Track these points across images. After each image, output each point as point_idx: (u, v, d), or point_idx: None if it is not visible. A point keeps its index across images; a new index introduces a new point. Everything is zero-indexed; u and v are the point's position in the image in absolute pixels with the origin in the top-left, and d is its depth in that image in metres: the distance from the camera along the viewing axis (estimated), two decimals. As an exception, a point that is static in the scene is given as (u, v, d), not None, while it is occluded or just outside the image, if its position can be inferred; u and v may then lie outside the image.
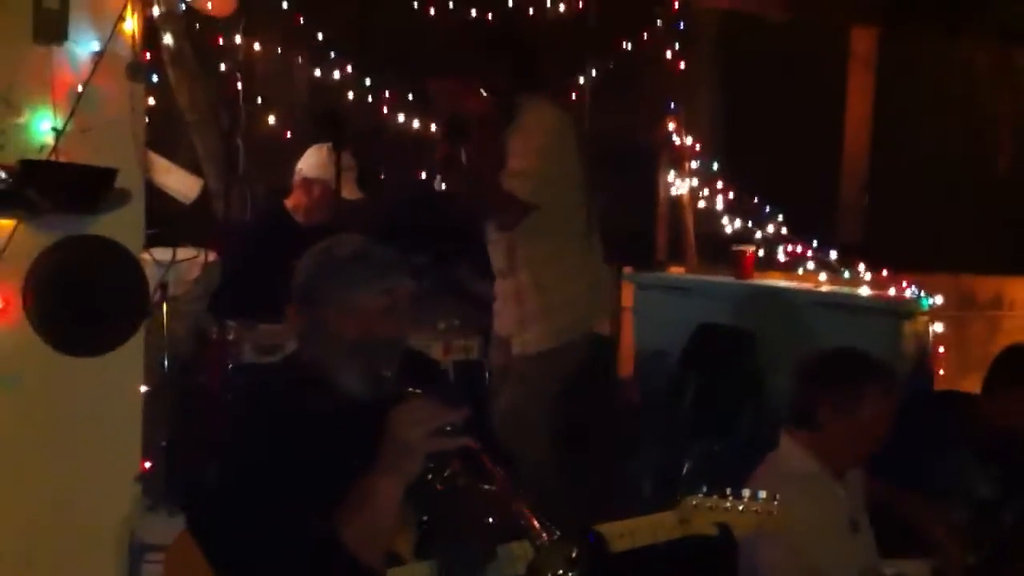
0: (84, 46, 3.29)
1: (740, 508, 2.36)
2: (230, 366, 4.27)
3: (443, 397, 2.09)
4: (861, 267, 5.76)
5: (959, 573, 3.20)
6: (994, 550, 3.27)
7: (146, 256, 4.78)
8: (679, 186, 6.53)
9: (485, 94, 3.98)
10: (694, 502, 2.34)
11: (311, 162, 4.79)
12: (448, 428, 2.02)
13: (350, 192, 4.79)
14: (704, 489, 2.38)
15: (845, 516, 2.97)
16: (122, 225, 3.34)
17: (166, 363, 4.40)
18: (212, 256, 5.04)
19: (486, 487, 2.11)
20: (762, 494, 2.38)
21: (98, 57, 3.30)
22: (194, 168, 5.54)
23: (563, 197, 3.97)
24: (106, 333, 3.30)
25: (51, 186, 3.05)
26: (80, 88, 3.26)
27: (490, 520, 2.12)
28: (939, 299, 5.22)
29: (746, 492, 2.37)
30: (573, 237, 4.09)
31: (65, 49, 3.25)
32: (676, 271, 6.51)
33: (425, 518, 2.19)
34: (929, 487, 3.46)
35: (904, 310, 5.09)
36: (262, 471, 2.10)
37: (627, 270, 6.52)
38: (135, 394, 3.40)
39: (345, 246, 2.32)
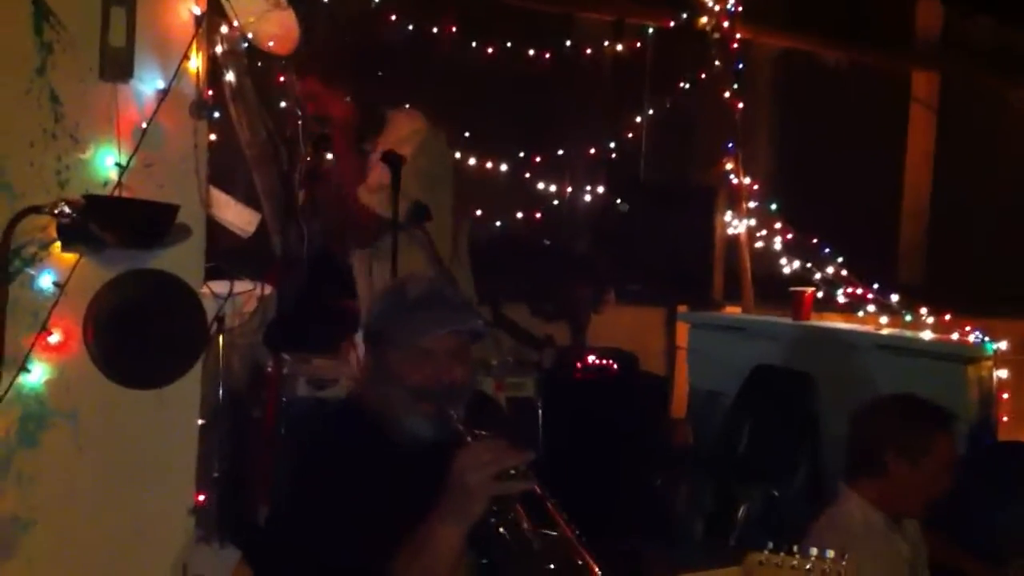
0: (149, 84, 3.34)
1: (808, 567, 2.30)
2: (284, 399, 4.31)
3: (507, 439, 2.07)
4: (923, 310, 5.66)
5: None
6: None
7: (204, 289, 4.87)
8: (736, 226, 6.49)
9: (350, 101, 3.76)
10: (760, 559, 2.27)
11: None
12: (512, 472, 1.99)
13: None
14: (770, 545, 2.33)
15: (906, 567, 2.92)
16: (182, 260, 3.37)
17: (221, 395, 4.46)
18: (268, 289, 5.11)
19: (549, 532, 2.08)
20: (830, 553, 2.32)
21: (163, 95, 3.35)
22: (252, 203, 5.60)
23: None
24: (165, 366, 3.32)
25: (114, 221, 3.09)
26: (144, 125, 3.30)
27: (552, 566, 2.09)
28: (1004, 344, 5.11)
29: (814, 550, 2.31)
30: (431, 261, 3.88)
31: (130, 86, 3.31)
32: (732, 311, 6.45)
33: (486, 561, 2.17)
34: (991, 539, 3.39)
35: (968, 355, 4.98)
36: (322, 510, 2.10)
37: (682, 309, 6.48)
38: (192, 427, 3.42)
39: (417, 286, 2.33)
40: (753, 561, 2.28)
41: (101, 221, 3.05)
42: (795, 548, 2.30)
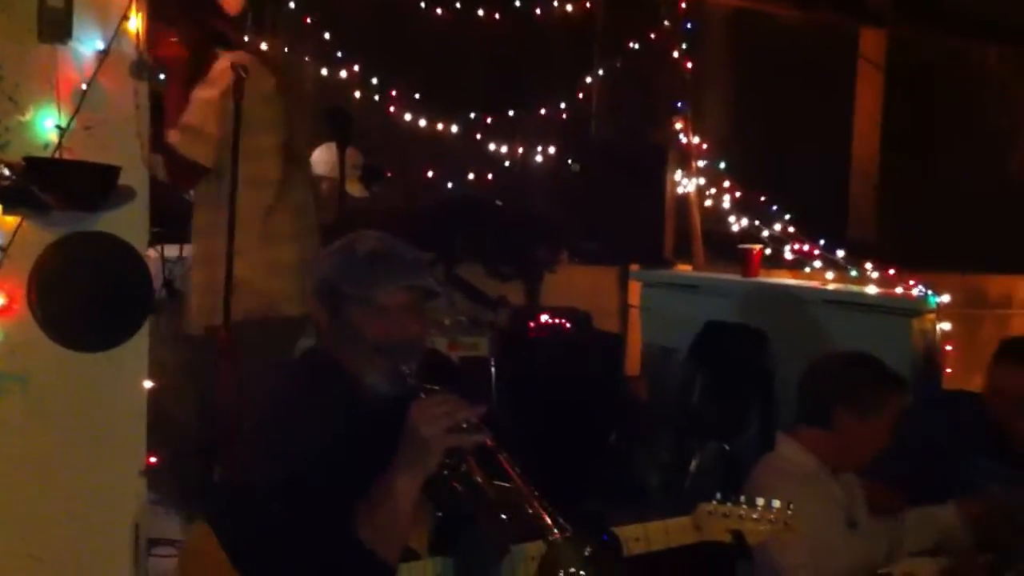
0: (88, 45, 3.30)
1: (755, 516, 2.37)
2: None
3: (460, 394, 2.10)
4: (868, 265, 5.74)
5: (972, 571, 3.19)
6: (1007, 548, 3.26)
7: (153, 253, 4.85)
8: (686, 185, 6.53)
9: (180, 42, 3.59)
10: (709, 509, 2.36)
11: (318, 160, 4.81)
12: (464, 425, 2.02)
13: (356, 190, 4.82)
14: (718, 496, 2.40)
15: (842, 513, 2.99)
16: (126, 222, 3.35)
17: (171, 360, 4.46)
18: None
19: (501, 484, 2.11)
20: (776, 503, 2.39)
21: (102, 56, 3.32)
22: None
23: (248, 167, 3.47)
24: (111, 329, 3.31)
25: (54, 183, 3.07)
26: (84, 86, 3.28)
27: (505, 516, 2.13)
28: (947, 297, 5.21)
29: (760, 500, 2.38)
30: (254, 215, 3.59)
31: (69, 48, 3.27)
32: (683, 269, 6.51)
33: (440, 514, 2.20)
34: (939, 487, 3.46)
35: (912, 308, 5.07)
36: (281, 464, 2.11)
37: (634, 268, 6.54)
38: (140, 389, 3.41)
39: (367, 243, 2.32)
40: (703, 511, 2.36)
41: (41, 183, 3.03)
42: (742, 498, 2.37)
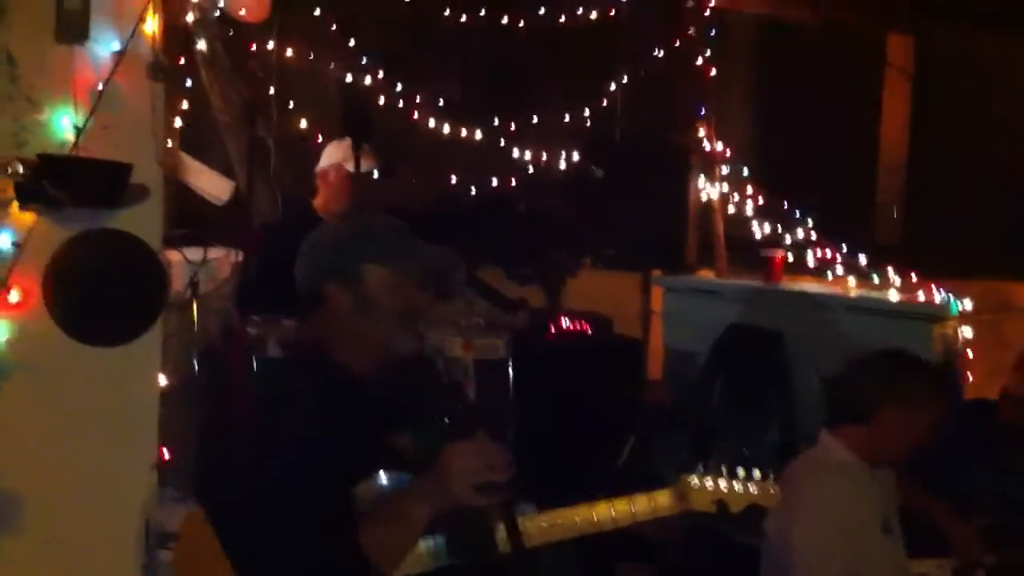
0: (105, 46, 3.36)
1: (736, 487, 2.42)
2: (254, 361, 4.35)
3: (478, 397, 2.16)
4: (891, 271, 5.71)
5: (978, 572, 3.19)
6: (1014, 551, 3.26)
7: (177, 255, 4.91)
8: (710, 191, 6.52)
9: None
10: (692, 480, 2.41)
11: (329, 152, 4.90)
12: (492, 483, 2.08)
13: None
14: (701, 468, 2.45)
15: (879, 514, 2.99)
16: (140, 220, 3.41)
17: (195, 359, 4.51)
18: (243, 256, 5.14)
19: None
20: (757, 473, 2.45)
21: (119, 56, 3.38)
22: (227, 171, 5.64)
23: None
24: (124, 324, 3.37)
25: (68, 180, 3.13)
26: (100, 86, 3.34)
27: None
28: (968, 303, 5.16)
29: (741, 471, 2.44)
30: None
31: (86, 48, 3.34)
32: (705, 275, 6.50)
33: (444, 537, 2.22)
34: (955, 492, 3.45)
35: (933, 314, 5.05)
36: (274, 458, 2.14)
37: (656, 273, 6.53)
38: (153, 384, 3.47)
39: (376, 222, 2.40)
40: (686, 483, 2.42)
41: (55, 180, 3.09)
42: (723, 470, 2.42)
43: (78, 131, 3.29)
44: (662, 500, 2.42)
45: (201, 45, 5.14)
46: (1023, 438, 3.76)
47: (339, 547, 2.07)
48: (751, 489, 2.45)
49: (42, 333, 3.29)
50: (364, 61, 6.06)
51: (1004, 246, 7.04)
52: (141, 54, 3.42)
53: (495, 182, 6.38)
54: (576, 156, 6.51)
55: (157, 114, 3.45)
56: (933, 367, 3.11)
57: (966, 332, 5.12)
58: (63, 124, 3.29)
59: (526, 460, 2.29)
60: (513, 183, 6.42)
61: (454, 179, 6.32)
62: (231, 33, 5.41)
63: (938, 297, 5.27)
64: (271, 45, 5.60)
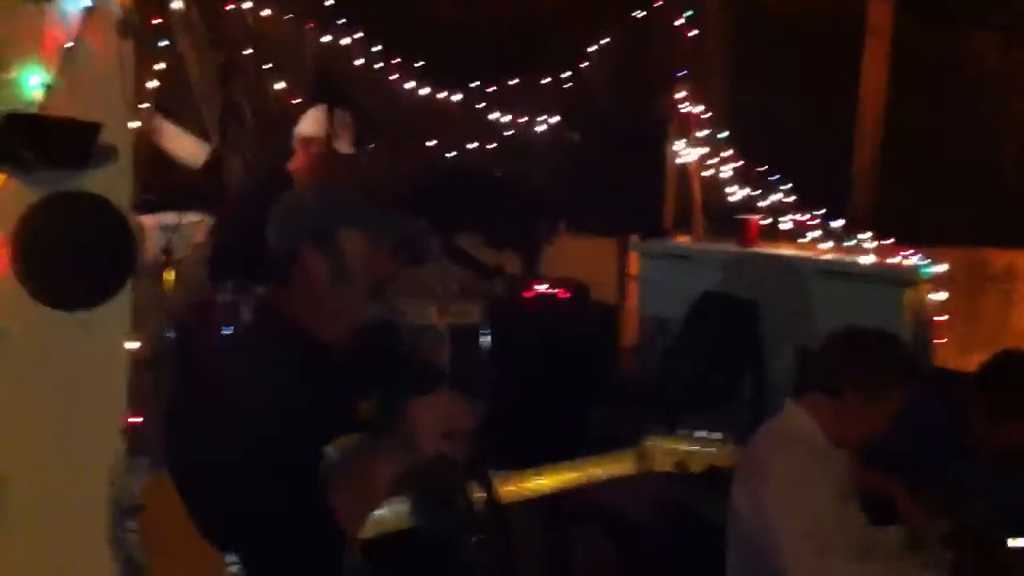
0: (74, 3, 3.31)
1: (695, 448, 2.43)
2: (225, 327, 4.34)
3: (452, 367, 2.15)
4: (867, 236, 5.72)
5: (932, 541, 3.20)
6: (969, 521, 3.28)
7: (151, 220, 4.88)
8: (687, 155, 6.51)
9: None
10: (651, 443, 2.42)
11: (308, 121, 4.85)
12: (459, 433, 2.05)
13: (344, 147, 4.84)
14: (660, 429, 2.47)
15: (839, 486, 3.00)
16: (110, 181, 3.37)
17: (168, 325, 4.49)
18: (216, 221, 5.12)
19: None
20: (717, 436, 2.45)
21: (88, 14, 3.33)
22: (203, 135, 5.61)
23: None
24: (92, 288, 3.34)
25: (35, 139, 3.09)
26: (69, 44, 3.29)
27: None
28: (942, 267, 5.18)
29: (700, 432, 2.45)
30: None
31: (56, 6, 3.29)
32: (682, 240, 6.50)
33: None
34: (911, 461, 3.46)
35: (904, 278, 5.07)
36: (248, 426, 2.13)
37: (633, 238, 6.53)
38: (121, 348, 3.44)
39: (348, 190, 2.37)
40: (646, 445, 2.41)
41: (22, 139, 3.06)
42: (682, 432, 2.43)
43: (47, 90, 3.24)
44: (624, 461, 2.42)
45: (176, 5, 5.10)
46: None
47: (308, 512, 2.06)
48: (711, 450, 2.45)
49: (10, 295, 3.25)
50: (341, 22, 6.02)
51: (981, 214, 7.07)
52: (111, 12, 3.38)
53: (472, 148, 6.36)
54: (553, 121, 6.49)
55: (127, 73, 3.41)
56: (902, 354, 3.05)
57: (939, 296, 5.14)
58: (32, 82, 3.24)
59: (499, 425, 2.29)
60: (490, 149, 6.40)
61: (431, 144, 6.29)
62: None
63: (909, 261, 5.29)
64: (246, 7, 5.56)
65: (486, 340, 5.14)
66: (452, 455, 2.06)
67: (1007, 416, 3.34)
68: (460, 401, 2.09)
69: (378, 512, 2.17)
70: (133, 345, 3.53)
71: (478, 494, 2.13)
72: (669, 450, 2.42)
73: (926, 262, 5.21)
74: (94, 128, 3.21)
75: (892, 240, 5.70)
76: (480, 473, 2.13)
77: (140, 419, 3.59)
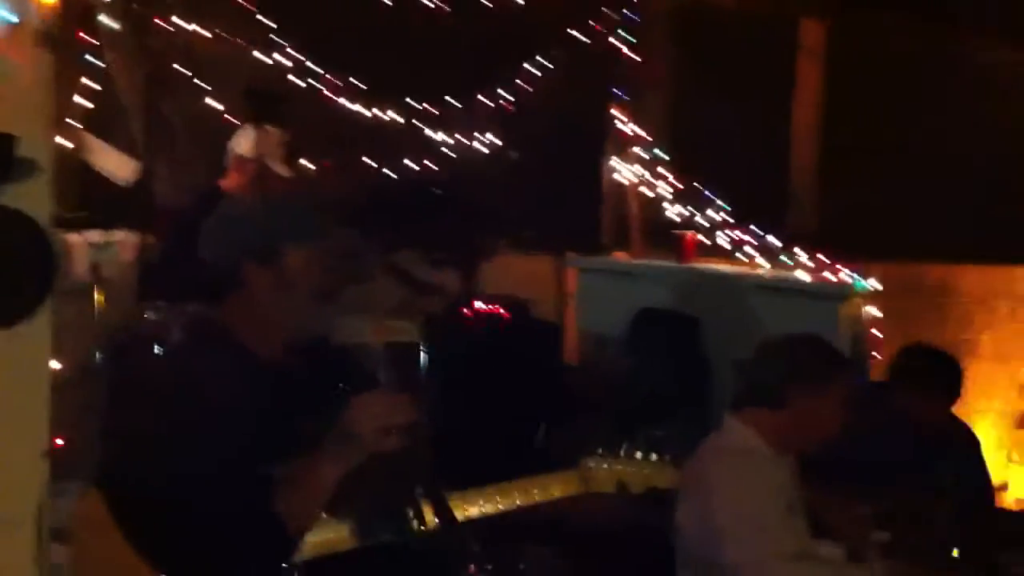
0: (-7, 14, 3.24)
1: (636, 469, 2.47)
2: (158, 347, 4.25)
3: (387, 381, 2.14)
4: (801, 252, 5.79)
5: (870, 552, 3.22)
6: (906, 529, 3.31)
7: (79, 238, 4.78)
8: (624, 172, 6.54)
9: None
10: (592, 463, 2.47)
11: (244, 141, 4.78)
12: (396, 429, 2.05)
13: (280, 169, 4.79)
14: (600, 450, 2.48)
15: (784, 497, 3.00)
16: (28, 196, 3.26)
17: (97, 345, 4.40)
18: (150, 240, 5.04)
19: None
20: (654, 456, 2.46)
21: (8, 29, 3.25)
22: (133, 152, 5.52)
23: None
24: (10, 305, 3.24)
25: (-52, 152, 3.00)
26: (-13, 57, 3.21)
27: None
28: (873, 282, 5.26)
29: (639, 453, 2.46)
30: None
31: (-28, 19, 3.21)
32: (620, 256, 6.52)
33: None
34: (852, 470, 3.48)
35: (839, 293, 5.13)
36: (175, 430, 2.10)
37: (570, 255, 6.52)
38: (44, 368, 3.33)
39: (292, 200, 2.41)
40: (586, 464, 2.44)
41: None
42: (623, 450, 2.44)
43: (-36, 103, 3.15)
44: (566, 482, 2.45)
45: (104, 20, 5.03)
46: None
47: (248, 528, 2.04)
48: (650, 471, 2.45)
49: (-76, 314, 3.15)
50: (277, 40, 5.96)
51: (916, 229, 7.16)
52: (32, 23, 3.29)
53: (411, 165, 6.34)
54: (492, 139, 6.49)
55: (45, 84, 3.33)
56: (833, 348, 3.13)
57: (872, 311, 5.20)
58: (-54, 96, 3.16)
59: (438, 445, 2.28)
60: (429, 166, 6.38)
61: (369, 162, 6.26)
62: (135, 6, 5.30)
63: (845, 277, 5.36)
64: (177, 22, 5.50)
65: (423, 358, 5.09)
66: (393, 449, 2.05)
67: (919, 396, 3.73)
68: (396, 396, 2.09)
69: (319, 534, 2.15)
70: (55, 365, 3.43)
71: (430, 510, 2.11)
72: (610, 471, 2.43)
73: (861, 277, 5.27)
74: (8, 140, 3.12)
75: (828, 255, 5.77)
76: (432, 490, 2.12)
77: (64, 442, 3.51)
